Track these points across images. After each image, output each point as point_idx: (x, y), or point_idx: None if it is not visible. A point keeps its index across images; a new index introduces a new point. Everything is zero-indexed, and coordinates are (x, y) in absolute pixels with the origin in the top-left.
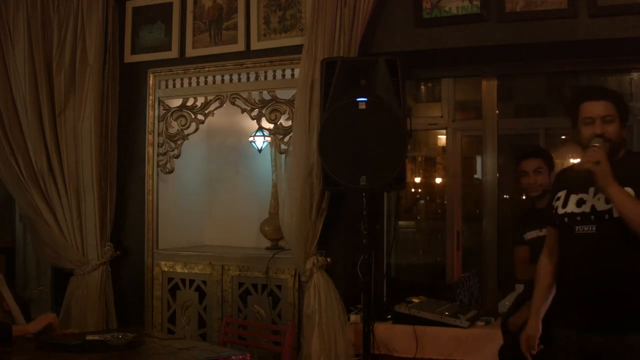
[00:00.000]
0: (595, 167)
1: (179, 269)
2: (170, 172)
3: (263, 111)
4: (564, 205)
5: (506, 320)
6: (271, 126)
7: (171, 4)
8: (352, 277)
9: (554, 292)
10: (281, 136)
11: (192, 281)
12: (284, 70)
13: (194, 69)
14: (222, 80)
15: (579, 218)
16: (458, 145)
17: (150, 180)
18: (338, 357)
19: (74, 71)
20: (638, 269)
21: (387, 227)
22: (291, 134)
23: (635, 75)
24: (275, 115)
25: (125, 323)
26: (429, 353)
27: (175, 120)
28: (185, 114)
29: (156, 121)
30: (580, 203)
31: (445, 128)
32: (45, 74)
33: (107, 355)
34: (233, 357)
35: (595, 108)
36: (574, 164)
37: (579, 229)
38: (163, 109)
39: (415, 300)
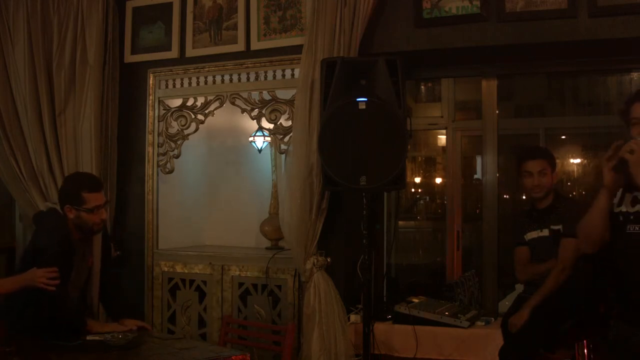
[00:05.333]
0: (628, 155)
1: (179, 269)
2: (170, 172)
3: (263, 111)
4: (620, 203)
5: (506, 320)
6: (271, 126)
7: (171, 4)
8: (352, 277)
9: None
10: (281, 136)
11: (192, 281)
12: (284, 70)
13: (194, 69)
14: (222, 80)
15: (632, 217)
16: (458, 145)
17: (150, 180)
18: (338, 357)
19: (74, 71)
20: None
21: (387, 227)
22: (291, 134)
23: (635, 75)
24: (275, 115)
25: None
26: (429, 353)
27: (175, 120)
28: (185, 114)
29: (156, 121)
30: (635, 202)
31: (445, 128)
32: (45, 74)
33: (107, 355)
34: (233, 357)
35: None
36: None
37: (630, 228)
38: (163, 109)
39: (415, 300)
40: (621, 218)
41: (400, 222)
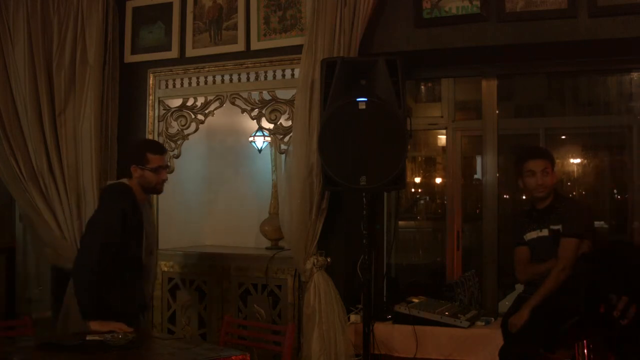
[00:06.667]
0: None
1: (179, 269)
2: (170, 172)
3: (263, 111)
4: None
5: (506, 320)
6: (271, 126)
7: (171, 4)
8: (352, 277)
9: None
10: (281, 136)
11: (192, 281)
12: (284, 70)
13: (194, 69)
14: (222, 80)
15: None
16: (458, 145)
17: None
18: (338, 357)
19: (74, 71)
20: None
21: (387, 227)
22: (291, 134)
23: (635, 75)
24: (275, 115)
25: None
26: (429, 353)
27: (175, 120)
28: (185, 114)
29: (156, 121)
30: None
31: (445, 128)
32: (45, 74)
33: (107, 355)
34: (233, 357)
35: None
36: None
37: None
38: (163, 109)
39: (415, 300)
40: None
41: (400, 222)
